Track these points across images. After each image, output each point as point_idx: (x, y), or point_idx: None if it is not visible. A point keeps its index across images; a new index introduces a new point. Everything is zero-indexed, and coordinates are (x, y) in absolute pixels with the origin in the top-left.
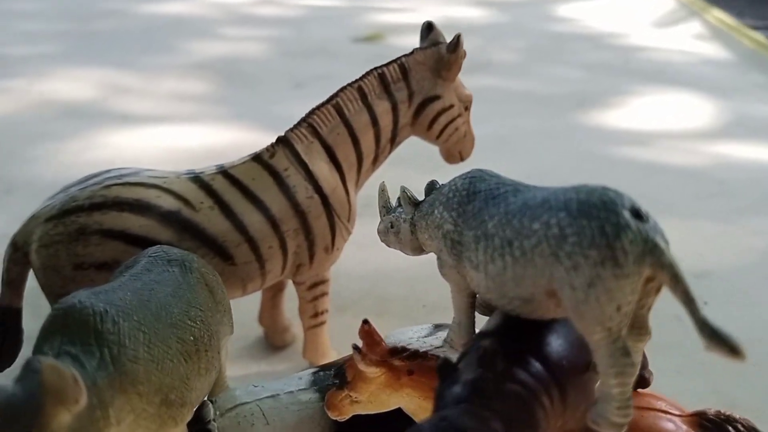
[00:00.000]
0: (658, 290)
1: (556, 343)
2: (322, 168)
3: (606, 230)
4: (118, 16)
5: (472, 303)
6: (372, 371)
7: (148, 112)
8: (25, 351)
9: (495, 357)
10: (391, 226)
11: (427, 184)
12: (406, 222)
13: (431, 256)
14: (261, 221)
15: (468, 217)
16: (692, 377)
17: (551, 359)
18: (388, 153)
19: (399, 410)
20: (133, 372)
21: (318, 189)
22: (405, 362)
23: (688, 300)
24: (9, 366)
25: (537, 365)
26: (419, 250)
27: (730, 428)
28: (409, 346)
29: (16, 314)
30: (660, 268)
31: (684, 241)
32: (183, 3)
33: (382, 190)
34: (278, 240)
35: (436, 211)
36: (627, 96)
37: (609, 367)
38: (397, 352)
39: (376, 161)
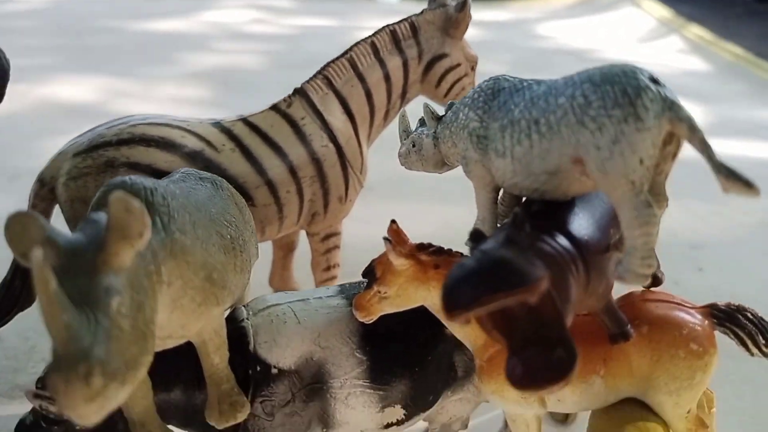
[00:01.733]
0: (674, 156)
1: (579, 225)
2: (336, 119)
3: (628, 91)
4: (114, 32)
5: (495, 198)
6: (401, 263)
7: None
8: None
9: (524, 221)
10: (413, 146)
11: (448, 104)
12: (429, 137)
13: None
14: (279, 166)
15: (494, 111)
16: None
17: (576, 237)
18: (398, 109)
19: (417, 320)
20: (181, 242)
21: (333, 138)
22: (431, 257)
23: (705, 147)
24: (29, 305)
25: (564, 240)
26: (441, 164)
27: (740, 316)
28: None
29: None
30: (678, 121)
31: (679, 218)
32: (177, 20)
33: (403, 116)
34: (295, 185)
35: (461, 114)
36: None
37: (633, 219)
38: (424, 247)
39: (387, 116)
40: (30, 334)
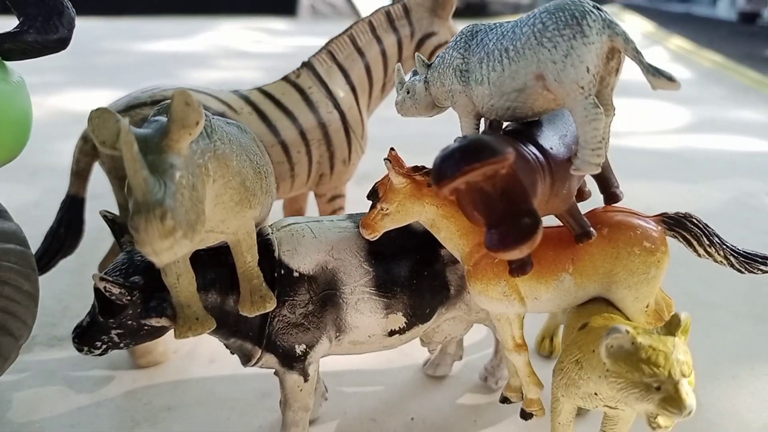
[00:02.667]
0: (617, 71)
1: (545, 139)
2: (340, 89)
3: (576, 15)
4: (117, 53)
5: (477, 125)
6: (399, 181)
7: None
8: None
9: (499, 127)
10: (407, 92)
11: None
12: (421, 81)
13: None
14: (291, 128)
15: (472, 48)
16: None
17: (542, 147)
18: (393, 83)
19: (415, 241)
20: (222, 149)
21: (337, 106)
22: (425, 177)
23: (636, 54)
24: (71, 253)
25: (532, 147)
26: (431, 106)
27: (687, 222)
28: None
29: (80, 204)
30: (615, 35)
31: (658, 198)
32: (177, 41)
33: (398, 70)
34: (305, 147)
35: (446, 56)
36: None
37: (584, 117)
38: (418, 169)
39: (383, 89)
40: (63, 296)
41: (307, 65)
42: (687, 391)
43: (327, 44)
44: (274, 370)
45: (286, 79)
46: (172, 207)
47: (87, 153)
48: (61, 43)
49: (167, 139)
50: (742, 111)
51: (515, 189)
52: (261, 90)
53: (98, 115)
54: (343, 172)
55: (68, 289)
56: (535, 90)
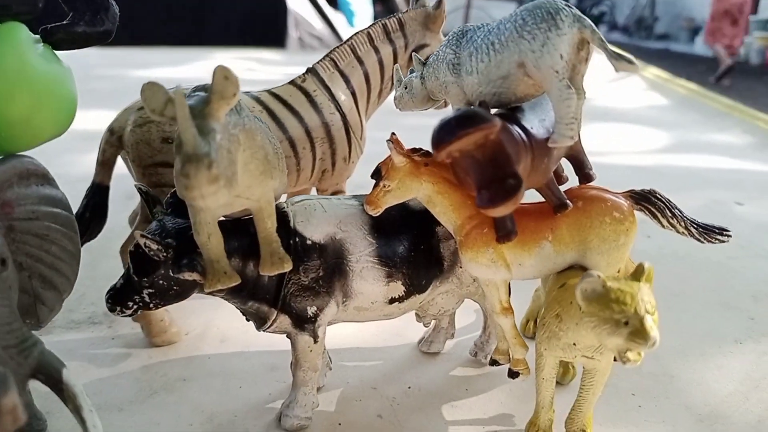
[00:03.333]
0: (586, 60)
1: (527, 121)
2: (341, 93)
3: (551, 11)
4: (113, 79)
5: None
6: (400, 160)
7: None
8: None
9: (488, 107)
10: (405, 88)
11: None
12: (417, 78)
13: None
14: (297, 127)
15: (463, 44)
16: None
17: (526, 128)
18: (390, 90)
19: (413, 218)
20: (249, 125)
21: (338, 108)
22: (422, 158)
23: (601, 43)
24: (95, 236)
25: (518, 128)
26: (427, 99)
27: (651, 197)
28: None
29: (104, 191)
30: (584, 27)
31: None
32: (173, 69)
33: (397, 70)
34: (310, 144)
35: (440, 53)
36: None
37: (558, 96)
38: (416, 151)
39: (380, 95)
40: (79, 286)
41: (311, 71)
42: (651, 325)
43: (330, 52)
44: (286, 334)
45: (292, 83)
46: (217, 159)
47: (112, 144)
48: (107, 35)
49: (209, 107)
50: (715, 134)
51: (501, 156)
52: (270, 92)
53: (149, 88)
54: (343, 169)
55: (84, 281)
56: (517, 76)
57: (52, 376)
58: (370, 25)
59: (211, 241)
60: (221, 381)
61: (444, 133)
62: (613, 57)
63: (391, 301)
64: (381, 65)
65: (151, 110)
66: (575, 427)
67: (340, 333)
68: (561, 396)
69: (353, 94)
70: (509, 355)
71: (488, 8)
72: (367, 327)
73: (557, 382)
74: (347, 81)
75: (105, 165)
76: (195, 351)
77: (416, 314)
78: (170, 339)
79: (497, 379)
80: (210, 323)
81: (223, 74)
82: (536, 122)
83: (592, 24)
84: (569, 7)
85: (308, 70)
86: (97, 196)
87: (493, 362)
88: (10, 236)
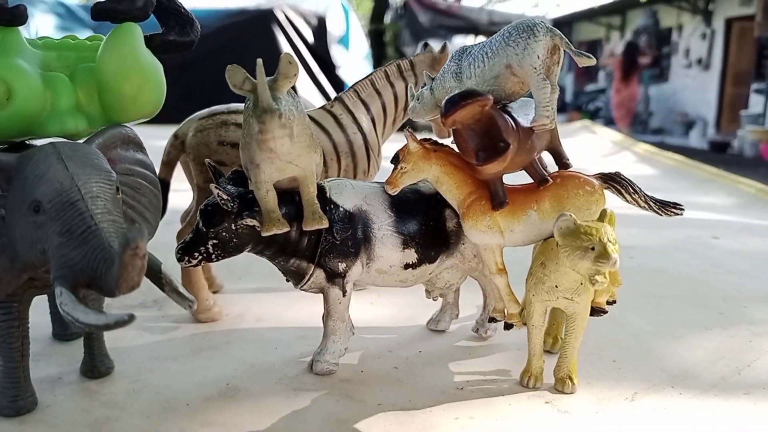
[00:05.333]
0: (558, 63)
1: (515, 114)
2: (363, 116)
3: (529, 25)
4: None
5: None
6: (414, 146)
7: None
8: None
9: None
10: (417, 100)
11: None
12: (427, 90)
13: None
14: (327, 141)
15: (463, 58)
16: None
17: (514, 117)
18: (402, 118)
19: (426, 200)
20: (300, 107)
21: (360, 129)
22: (432, 145)
23: (569, 46)
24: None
25: (508, 117)
26: (434, 107)
27: (616, 177)
28: None
29: (166, 187)
30: (555, 35)
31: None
32: None
33: (410, 87)
34: (336, 156)
35: (445, 67)
36: None
37: (537, 86)
38: (427, 140)
39: (394, 122)
40: None
41: (338, 99)
42: (612, 249)
43: (353, 85)
44: (319, 290)
45: (323, 107)
46: (285, 112)
47: (176, 147)
48: (191, 44)
49: (276, 83)
50: (701, 197)
51: (493, 127)
52: (307, 114)
53: (232, 68)
54: (363, 180)
55: None
56: (505, 75)
57: (152, 267)
58: (387, 65)
59: (268, 195)
60: (259, 344)
61: (450, 105)
62: (576, 54)
63: (406, 266)
64: (395, 98)
65: (232, 85)
66: (562, 373)
67: (358, 316)
68: (551, 360)
69: (372, 119)
70: (504, 313)
71: None
72: (382, 311)
73: (548, 351)
74: (368, 108)
75: (168, 165)
76: (235, 326)
77: (426, 290)
78: (213, 317)
79: (497, 348)
80: (247, 308)
81: (287, 60)
82: (522, 115)
83: (562, 34)
84: (543, 22)
85: (336, 98)
86: (162, 189)
87: (492, 319)
88: None
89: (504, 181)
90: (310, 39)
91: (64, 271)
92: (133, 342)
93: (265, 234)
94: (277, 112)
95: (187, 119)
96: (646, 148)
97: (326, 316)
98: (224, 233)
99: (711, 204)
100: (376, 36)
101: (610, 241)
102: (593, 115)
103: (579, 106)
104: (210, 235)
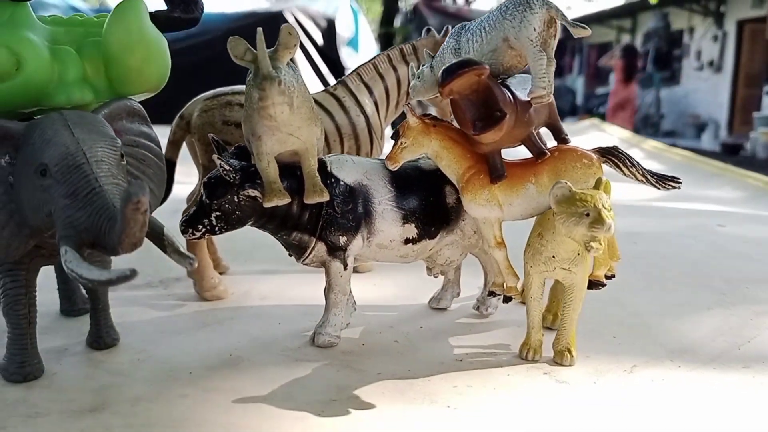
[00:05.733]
0: (555, 36)
1: (513, 88)
2: (365, 99)
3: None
4: None
5: None
6: (414, 120)
7: None
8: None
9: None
10: (418, 78)
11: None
12: (427, 67)
13: None
14: (330, 123)
15: (461, 35)
16: None
17: (512, 91)
18: (405, 101)
19: (426, 176)
20: (301, 80)
21: (363, 111)
22: (431, 120)
23: (565, 19)
24: (162, 204)
25: (506, 90)
26: (435, 85)
27: (614, 151)
28: None
29: (172, 166)
30: (552, 8)
31: (626, 222)
32: None
33: (412, 67)
34: (339, 137)
35: (444, 45)
36: None
37: (533, 57)
38: (426, 115)
39: (397, 105)
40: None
41: (341, 82)
42: (607, 214)
43: (357, 68)
44: (320, 264)
45: (326, 90)
46: (284, 79)
47: (182, 127)
48: (195, 21)
49: (276, 53)
50: (708, 191)
51: (490, 98)
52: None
53: (233, 40)
54: None
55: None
56: (503, 49)
57: (154, 228)
58: (390, 48)
59: (270, 167)
60: (263, 320)
61: (447, 74)
62: (571, 25)
63: (406, 241)
64: (398, 81)
65: (234, 56)
66: (561, 346)
67: (362, 295)
68: (551, 335)
69: (375, 102)
70: (503, 286)
71: None
72: (385, 290)
73: (549, 328)
74: (370, 91)
75: (174, 144)
76: (240, 303)
77: (427, 267)
78: (218, 295)
79: (497, 325)
80: (252, 287)
81: (287, 30)
82: (520, 90)
83: (558, 7)
84: None
85: (339, 81)
86: (167, 168)
87: (491, 293)
88: None
89: (502, 155)
90: (320, 41)
91: (69, 231)
92: (139, 317)
93: (266, 205)
94: (277, 79)
95: (192, 100)
96: (654, 145)
97: (328, 290)
98: (227, 205)
99: (719, 197)
100: (385, 39)
101: (604, 207)
102: (604, 118)
103: (590, 108)
104: (213, 207)
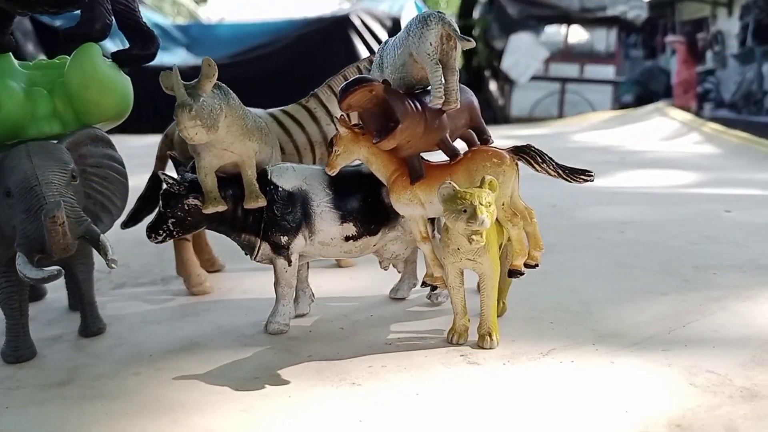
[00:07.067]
0: (455, 48)
1: (423, 97)
2: (335, 108)
3: (424, 17)
4: None
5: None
6: (344, 131)
7: None
8: None
9: (389, 83)
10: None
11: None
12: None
13: None
14: (301, 134)
15: (384, 50)
16: None
17: (422, 101)
18: None
19: (362, 180)
20: (232, 104)
21: (333, 121)
22: (360, 129)
23: (455, 31)
24: (152, 212)
25: (416, 101)
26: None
27: (527, 149)
28: None
29: (159, 179)
30: (445, 24)
31: (616, 210)
32: None
33: (370, 61)
34: (310, 147)
35: (375, 58)
36: (618, 172)
37: (430, 70)
38: (356, 125)
39: None
40: (144, 263)
41: (314, 95)
42: (480, 210)
43: (328, 81)
44: (269, 261)
45: (299, 103)
46: (195, 107)
47: (166, 144)
48: (152, 57)
49: (198, 83)
50: (757, 173)
51: (388, 110)
52: (282, 110)
53: (163, 74)
54: None
55: (149, 257)
56: (410, 63)
57: (93, 236)
58: (360, 60)
59: (207, 179)
60: (233, 312)
61: (343, 91)
62: (461, 39)
63: (347, 239)
64: None
65: (165, 87)
66: (483, 330)
67: (335, 287)
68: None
69: None
70: (432, 276)
71: (583, 91)
72: (358, 283)
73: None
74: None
75: (161, 159)
76: (222, 297)
77: (379, 262)
78: (204, 290)
79: (445, 312)
80: (239, 283)
81: (207, 63)
82: (429, 99)
83: (451, 22)
84: (439, 13)
85: (311, 94)
86: (155, 182)
87: (423, 284)
88: (83, 176)
89: (424, 158)
90: None
91: (23, 240)
92: (132, 310)
93: (205, 211)
94: (188, 107)
95: (174, 122)
96: (713, 128)
97: (276, 283)
98: (179, 212)
99: (765, 180)
100: (464, 32)
101: (482, 204)
102: (702, 99)
103: (695, 89)
104: (168, 215)
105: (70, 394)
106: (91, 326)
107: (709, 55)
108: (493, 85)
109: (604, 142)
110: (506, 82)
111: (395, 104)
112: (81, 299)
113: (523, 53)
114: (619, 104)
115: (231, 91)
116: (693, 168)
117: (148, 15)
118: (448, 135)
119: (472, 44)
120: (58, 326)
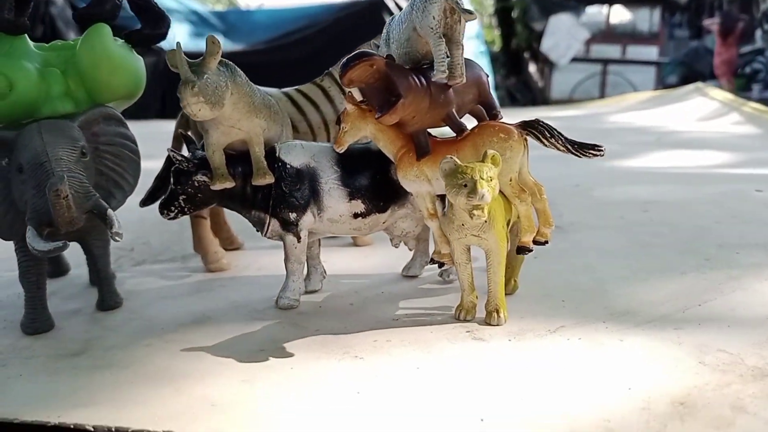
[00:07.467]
0: (459, 21)
1: (428, 73)
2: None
3: None
4: None
5: None
6: (351, 107)
7: None
8: None
9: (394, 59)
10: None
11: None
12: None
13: None
14: (315, 112)
15: (390, 25)
16: None
17: (426, 77)
18: None
19: (370, 156)
20: (238, 81)
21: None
22: (367, 106)
23: (457, 4)
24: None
25: (421, 76)
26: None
27: (535, 123)
28: None
29: (169, 160)
30: None
31: (645, 189)
32: None
33: (375, 44)
34: (323, 124)
35: (383, 33)
36: (652, 152)
37: (433, 44)
38: (362, 101)
39: None
40: (162, 239)
41: (328, 74)
42: (481, 185)
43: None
44: (279, 237)
45: (314, 82)
46: (198, 83)
47: (182, 124)
48: (163, 37)
49: (203, 61)
50: None
51: (390, 84)
52: (297, 89)
53: (170, 52)
54: None
55: (170, 235)
56: (414, 37)
57: (100, 210)
58: (377, 37)
59: (215, 155)
60: (248, 287)
61: (343, 66)
62: (461, 11)
63: (355, 215)
64: None
65: (171, 66)
66: (490, 307)
67: (348, 265)
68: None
69: None
70: (440, 253)
71: (625, 72)
72: (372, 261)
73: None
74: None
75: (178, 139)
76: (237, 274)
77: (390, 239)
78: (221, 267)
79: (455, 290)
80: (255, 261)
81: (211, 40)
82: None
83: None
84: None
85: (326, 73)
86: (170, 161)
87: (431, 261)
88: (96, 153)
89: (431, 134)
90: None
91: (33, 214)
92: (149, 286)
93: (213, 188)
94: (190, 84)
95: None
96: (754, 107)
97: (286, 260)
98: (189, 189)
99: None
100: (503, 14)
101: (482, 179)
102: (751, 79)
103: (734, 68)
104: (179, 192)
105: (82, 364)
106: (107, 300)
107: (758, 34)
108: (532, 67)
109: (641, 122)
110: (546, 64)
111: (397, 78)
112: (98, 274)
113: (563, 34)
114: (663, 85)
115: (238, 69)
116: (729, 148)
117: (186, 2)
118: (454, 110)
119: (475, 17)
120: (78, 300)
